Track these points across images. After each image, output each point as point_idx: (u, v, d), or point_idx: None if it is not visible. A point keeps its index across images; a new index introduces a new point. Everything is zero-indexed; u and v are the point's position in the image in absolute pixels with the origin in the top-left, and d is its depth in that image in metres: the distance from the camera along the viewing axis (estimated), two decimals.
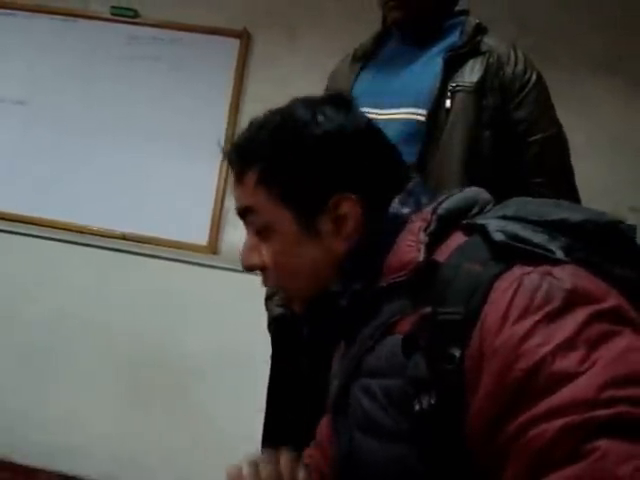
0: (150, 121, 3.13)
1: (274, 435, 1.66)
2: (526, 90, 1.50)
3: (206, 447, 2.84)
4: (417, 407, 0.74)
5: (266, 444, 1.65)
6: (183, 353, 2.92)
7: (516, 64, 1.51)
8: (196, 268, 2.98)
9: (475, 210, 0.90)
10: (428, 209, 0.89)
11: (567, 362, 0.66)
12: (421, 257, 0.83)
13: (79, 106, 3.18)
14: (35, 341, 3.00)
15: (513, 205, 0.86)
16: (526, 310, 0.70)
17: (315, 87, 1.90)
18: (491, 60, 1.50)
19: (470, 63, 1.51)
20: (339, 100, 1.00)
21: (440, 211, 0.87)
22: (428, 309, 0.77)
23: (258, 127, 0.96)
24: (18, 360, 3.01)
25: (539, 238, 0.76)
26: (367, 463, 0.85)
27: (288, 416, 1.62)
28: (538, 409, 0.65)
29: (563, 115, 1.56)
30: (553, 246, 0.76)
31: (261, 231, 0.94)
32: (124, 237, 3.05)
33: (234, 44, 3.12)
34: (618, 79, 2.87)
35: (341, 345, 1.04)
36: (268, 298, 1.73)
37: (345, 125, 0.93)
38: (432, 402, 0.73)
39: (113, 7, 3.19)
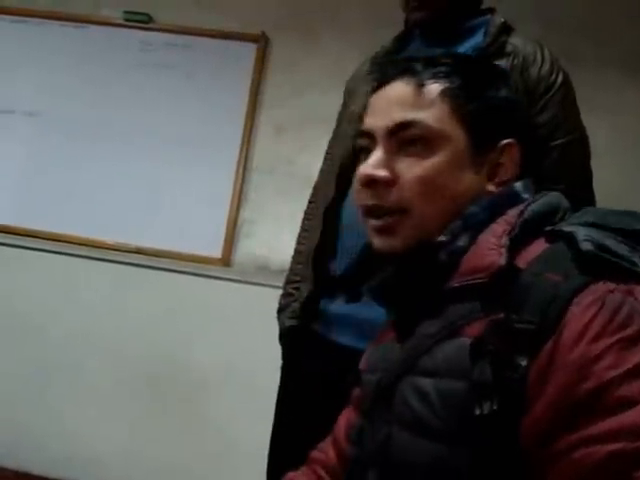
0: (164, 129, 3.08)
1: (282, 447, 1.63)
2: (551, 92, 1.44)
3: (219, 459, 2.85)
4: (478, 411, 0.74)
5: (274, 455, 1.65)
6: (198, 366, 2.93)
7: (542, 65, 1.45)
8: (210, 281, 2.96)
9: (558, 216, 0.89)
10: (514, 211, 0.87)
11: (632, 389, 0.66)
12: (503, 261, 0.80)
13: (92, 115, 3.13)
14: (50, 355, 3.01)
15: (592, 213, 0.84)
16: (603, 331, 0.69)
17: (334, 93, 1.85)
18: (516, 62, 1.45)
19: None
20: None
21: (526, 216, 0.86)
22: (501, 315, 0.77)
23: (449, 55, 1.00)
24: (34, 373, 3.01)
25: (622, 249, 0.76)
26: (405, 460, 0.84)
27: (297, 427, 1.57)
28: (594, 430, 0.66)
29: (586, 116, 1.51)
30: (636, 258, 0.75)
31: (417, 145, 0.91)
32: (138, 251, 3.02)
33: (251, 49, 3.06)
34: None
35: (378, 338, 1.05)
36: (280, 310, 1.72)
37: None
38: (494, 408, 0.73)
39: (126, 12, 3.13)
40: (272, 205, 2.99)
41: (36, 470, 2.92)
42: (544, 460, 0.70)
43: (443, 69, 0.94)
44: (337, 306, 1.54)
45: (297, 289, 1.68)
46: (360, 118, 1.55)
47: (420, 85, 0.92)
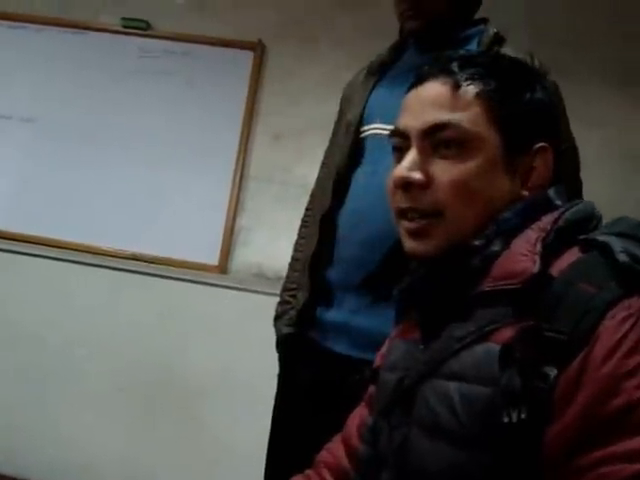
0: (161, 137, 3.07)
1: (279, 454, 1.64)
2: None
3: (215, 466, 2.84)
4: (506, 419, 0.73)
5: (271, 462, 1.65)
6: (194, 373, 2.91)
7: None
8: (207, 288, 2.94)
9: (592, 225, 0.88)
10: (548, 218, 0.86)
11: None
12: (536, 269, 0.79)
13: (89, 122, 3.12)
14: (46, 361, 3.00)
15: (624, 224, 0.83)
16: (636, 347, 0.69)
17: (331, 101, 1.86)
18: None
19: None
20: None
21: (560, 223, 0.85)
22: (531, 323, 0.76)
23: (485, 55, 1.01)
24: (30, 380, 3.00)
25: None
26: (421, 464, 0.84)
27: (294, 434, 1.59)
28: (619, 447, 0.66)
29: (575, 127, 1.52)
30: None
31: (451, 147, 0.90)
32: (134, 257, 3.01)
33: (248, 56, 3.06)
34: (633, 92, 2.85)
35: (399, 339, 1.03)
36: (277, 318, 1.72)
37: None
38: (522, 416, 0.73)
39: (124, 19, 3.13)
40: (269, 213, 2.99)
41: (34, 476, 2.91)
42: (568, 472, 0.70)
43: (480, 70, 0.93)
44: (333, 314, 1.54)
45: (294, 297, 1.68)
46: (357, 126, 1.57)
47: (456, 86, 0.91)
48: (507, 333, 0.79)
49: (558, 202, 0.91)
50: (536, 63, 1.48)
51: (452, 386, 0.81)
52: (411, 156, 0.92)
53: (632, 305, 0.72)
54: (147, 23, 3.12)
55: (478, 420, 0.77)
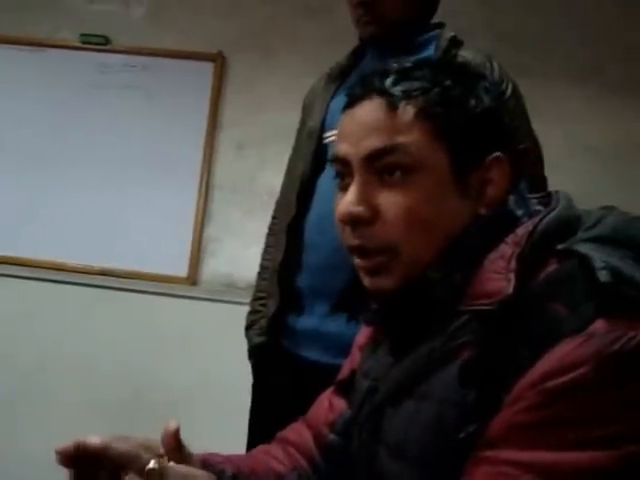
0: (124, 151, 3.05)
1: None
2: (501, 101, 1.45)
3: None
4: (462, 435, 0.72)
5: None
6: (168, 385, 2.89)
7: (491, 75, 1.48)
8: (177, 300, 2.94)
9: (571, 229, 0.81)
10: (522, 229, 0.80)
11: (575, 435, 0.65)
12: (510, 289, 0.75)
13: (50, 138, 3.09)
14: (17, 382, 2.95)
15: (611, 222, 0.79)
16: (574, 365, 0.66)
17: (292, 109, 1.87)
18: None
19: None
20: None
21: (537, 235, 0.79)
22: (496, 343, 0.74)
23: (422, 64, 0.90)
24: (1, 398, 2.95)
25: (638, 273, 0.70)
26: None
27: (270, 443, 1.57)
28: (514, 455, 0.67)
29: (539, 125, 1.54)
30: None
31: (397, 174, 0.83)
32: (103, 272, 2.99)
33: (209, 68, 3.06)
34: (593, 89, 2.90)
35: (381, 343, 0.98)
36: (248, 327, 1.73)
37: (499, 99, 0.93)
38: (471, 430, 0.72)
39: (83, 35, 3.11)
40: (236, 222, 3.00)
41: None
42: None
43: (416, 85, 0.84)
44: (304, 321, 1.55)
45: (264, 305, 1.69)
46: (319, 133, 1.59)
47: (393, 106, 0.83)
48: (469, 351, 0.76)
49: (519, 213, 0.85)
50: (495, 65, 1.51)
51: (419, 406, 0.80)
52: (354, 188, 0.85)
53: (593, 330, 0.68)
54: (106, 38, 3.11)
55: (443, 440, 0.75)
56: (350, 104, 0.89)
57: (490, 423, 0.70)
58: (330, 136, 1.57)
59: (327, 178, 1.55)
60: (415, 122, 0.82)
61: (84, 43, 3.12)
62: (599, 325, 0.67)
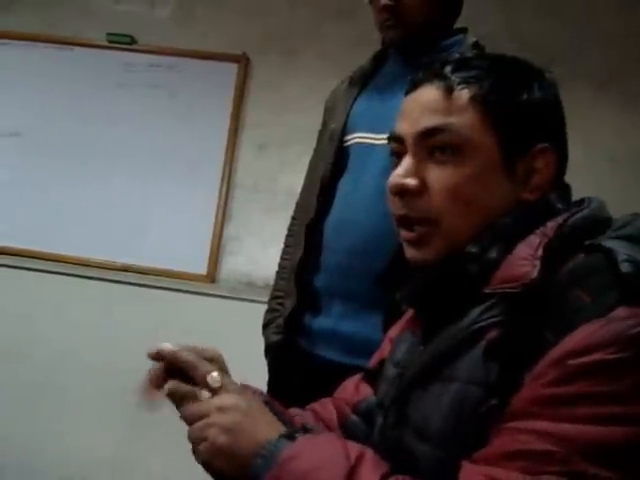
0: (148, 149, 3.09)
1: None
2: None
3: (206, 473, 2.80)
4: (483, 409, 0.75)
5: None
6: None
7: None
8: (196, 297, 2.96)
9: (600, 228, 0.85)
10: (553, 223, 0.84)
11: (585, 411, 0.68)
12: (535, 274, 0.78)
13: (76, 136, 3.13)
14: (39, 374, 2.99)
15: (636, 225, 0.82)
16: (597, 347, 0.69)
17: (315, 111, 1.88)
18: None
19: None
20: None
21: (567, 228, 0.83)
22: (519, 326, 0.76)
23: (482, 56, 0.96)
24: (23, 394, 2.99)
25: None
26: (415, 465, 0.84)
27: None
28: (537, 425, 0.69)
29: None
30: None
31: (447, 152, 0.88)
32: (124, 268, 3.03)
33: (233, 69, 3.08)
34: (615, 96, 2.88)
35: (408, 331, 1.03)
36: (265, 326, 1.75)
37: (557, 94, 0.96)
38: (491, 405, 0.75)
39: (109, 34, 3.15)
40: (256, 222, 3.02)
41: None
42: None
43: (473, 73, 0.90)
44: (321, 321, 1.57)
45: (281, 304, 1.70)
46: (341, 135, 1.60)
47: (450, 90, 0.89)
48: (494, 333, 0.79)
49: (559, 206, 0.88)
50: None
51: (445, 388, 0.82)
52: (406, 162, 0.91)
53: (613, 315, 0.70)
54: (132, 38, 3.14)
55: (471, 420, 0.77)
56: (412, 88, 0.95)
57: (511, 400, 0.72)
58: (351, 139, 1.58)
59: (347, 182, 1.56)
60: (468, 106, 0.88)
61: (110, 42, 3.15)
62: (620, 312, 0.70)
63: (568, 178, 1.53)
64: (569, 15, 2.95)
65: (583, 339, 0.69)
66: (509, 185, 0.88)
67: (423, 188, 0.89)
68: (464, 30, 1.62)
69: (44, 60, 3.19)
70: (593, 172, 2.72)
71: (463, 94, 0.89)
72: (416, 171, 0.90)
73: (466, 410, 0.78)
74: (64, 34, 3.20)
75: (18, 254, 3.07)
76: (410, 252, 0.93)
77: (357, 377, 1.16)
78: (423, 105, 0.91)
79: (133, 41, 3.15)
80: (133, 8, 3.20)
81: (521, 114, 0.89)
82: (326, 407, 1.14)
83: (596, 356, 0.68)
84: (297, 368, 1.61)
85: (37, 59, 3.19)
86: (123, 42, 3.14)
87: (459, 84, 0.89)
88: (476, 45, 1.54)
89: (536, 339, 0.73)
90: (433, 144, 0.89)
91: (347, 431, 1.07)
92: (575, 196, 1.47)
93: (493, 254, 0.84)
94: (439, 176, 0.88)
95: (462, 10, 1.64)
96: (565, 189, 0.95)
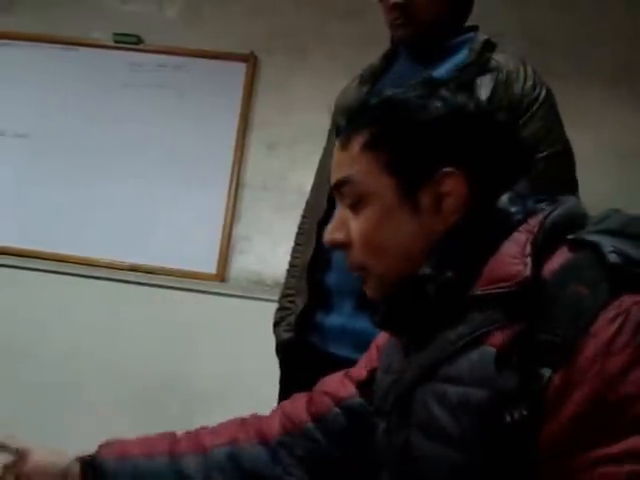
0: (156, 149, 3.10)
1: None
2: (534, 108, 1.47)
3: None
4: (508, 418, 0.73)
5: None
6: (195, 381, 2.92)
7: (525, 81, 1.49)
8: (206, 296, 2.97)
9: (578, 223, 0.86)
10: (534, 220, 0.84)
11: None
12: (528, 272, 0.78)
13: (82, 137, 3.14)
14: (46, 375, 2.99)
15: (613, 219, 0.83)
16: (627, 344, 0.70)
17: (324, 109, 1.87)
18: (500, 77, 1.47)
19: (478, 81, 1.47)
20: (460, 83, 0.97)
21: (548, 224, 0.83)
22: (525, 325, 0.76)
23: (371, 96, 0.98)
24: (30, 394, 2.98)
25: None
26: (424, 465, 0.84)
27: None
28: (615, 448, 0.67)
29: (570, 128, 1.54)
30: None
31: (355, 203, 0.92)
32: (133, 268, 3.03)
33: (241, 68, 3.09)
34: (625, 92, 2.89)
35: (398, 339, 1.01)
36: (276, 324, 1.75)
37: (462, 106, 0.91)
38: (524, 413, 0.73)
39: (115, 34, 3.16)
40: (265, 221, 3.03)
41: None
42: (565, 471, 0.71)
43: (364, 117, 0.93)
44: (333, 319, 1.57)
45: (292, 302, 1.70)
46: None
47: (346, 142, 0.93)
48: (500, 336, 0.78)
49: (513, 209, 0.87)
50: (529, 70, 1.50)
51: (450, 389, 0.81)
52: (338, 214, 0.96)
53: (622, 304, 0.72)
54: (138, 38, 3.15)
55: (476, 422, 0.77)
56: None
57: (556, 416, 0.71)
58: None
59: None
60: (361, 154, 0.91)
61: (117, 42, 3.17)
62: (627, 300, 0.72)
63: (579, 173, 1.54)
64: (579, 12, 2.95)
65: (609, 339, 0.70)
66: (417, 219, 0.88)
67: (348, 241, 0.93)
68: (475, 28, 1.62)
69: (50, 61, 3.20)
70: (603, 167, 2.73)
71: (355, 144, 0.92)
72: (343, 224, 0.94)
73: (471, 413, 0.78)
74: (71, 34, 3.21)
75: (26, 255, 3.08)
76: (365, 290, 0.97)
77: (340, 373, 1.18)
78: (334, 159, 0.97)
79: (140, 41, 3.16)
80: (140, 8, 3.22)
81: (415, 144, 0.88)
82: (297, 403, 1.18)
83: (630, 350, 0.70)
84: (309, 365, 1.61)
85: (44, 60, 3.21)
86: (130, 42, 3.15)
87: (352, 134, 0.92)
88: (487, 43, 1.54)
89: (547, 337, 0.73)
90: (346, 196, 0.93)
91: (327, 423, 1.10)
92: (586, 191, 1.49)
93: (449, 273, 0.85)
94: (354, 227, 0.92)
95: (473, 8, 1.64)
96: (517, 191, 0.91)
